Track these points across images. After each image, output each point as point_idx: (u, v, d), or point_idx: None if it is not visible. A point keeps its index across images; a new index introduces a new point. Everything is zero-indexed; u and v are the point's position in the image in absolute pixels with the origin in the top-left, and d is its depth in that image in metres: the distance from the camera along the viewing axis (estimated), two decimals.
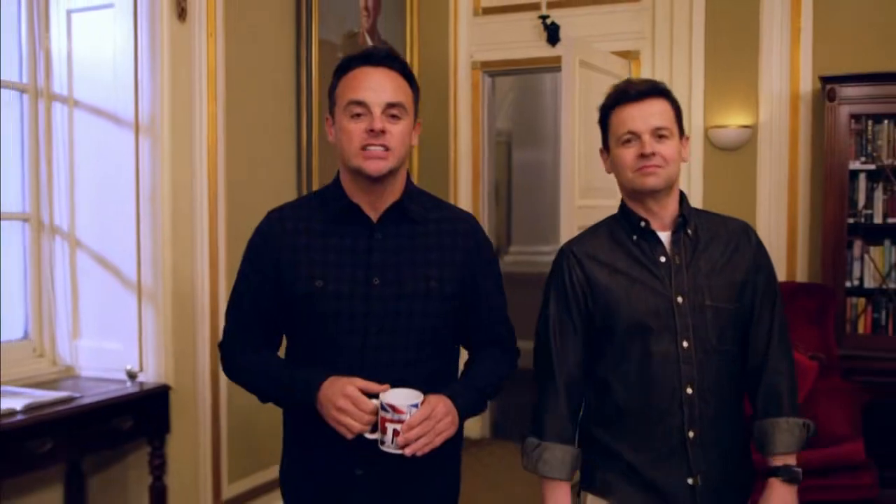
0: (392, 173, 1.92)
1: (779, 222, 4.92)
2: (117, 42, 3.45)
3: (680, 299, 2.03)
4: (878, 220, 4.53)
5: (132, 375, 3.42)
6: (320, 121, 4.17)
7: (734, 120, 5.04)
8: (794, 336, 3.40)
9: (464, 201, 5.70)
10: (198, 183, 3.59)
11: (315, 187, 4.13)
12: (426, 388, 1.86)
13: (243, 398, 2.20)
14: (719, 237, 2.11)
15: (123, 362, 3.45)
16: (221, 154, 3.69)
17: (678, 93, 5.04)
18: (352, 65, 1.92)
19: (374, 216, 1.95)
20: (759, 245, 2.13)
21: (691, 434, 2.01)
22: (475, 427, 5.66)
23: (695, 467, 2.02)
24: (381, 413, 1.79)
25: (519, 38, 5.58)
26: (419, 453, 1.80)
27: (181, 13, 3.46)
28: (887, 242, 4.53)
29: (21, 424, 2.83)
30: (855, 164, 4.53)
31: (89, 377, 3.47)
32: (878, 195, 4.53)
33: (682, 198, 2.10)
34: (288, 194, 3.95)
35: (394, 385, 1.84)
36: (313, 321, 1.92)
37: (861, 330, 4.56)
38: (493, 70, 5.73)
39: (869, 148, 4.54)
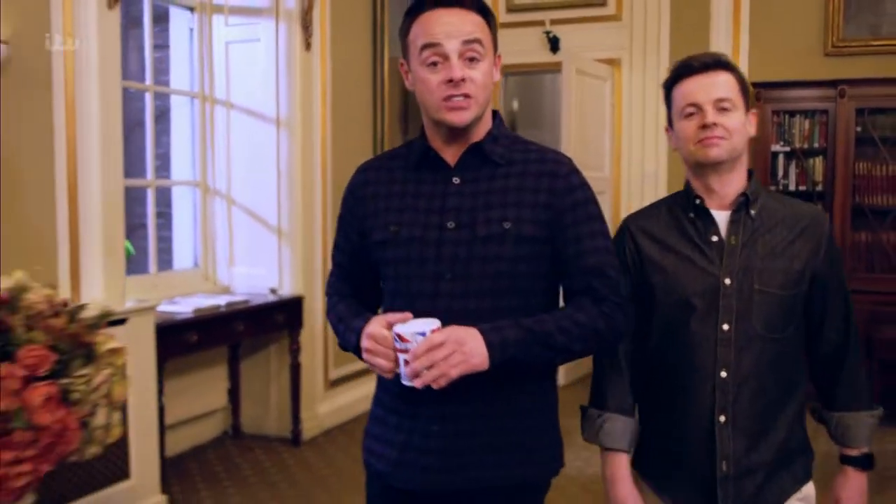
0: (476, 119, 1.80)
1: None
2: (262, 64, 5.07)
3: (728, 281, 1.93)
4: (791, 187, 6.18)
5: (273, 291, 5.08)
6: (391, 116, 5.81)
7: None
8: None
9: None
10: (316, 159, 5.24)
11: None
12: None
13: None
14: (785, 221, 1.98)
15: (267, 283, 5.10)
16: (329, 139, 5.33)
17: (650, 93, 6.74)
18: (423, 7, 1.79)
19: (452, 162, 1.85)
20: (830, 235, 2.00)
21: (722, 419, 1.92)
22: None
23: (721, 454, 1.93)
24: (395, 345, 1.67)
25: (527, 48, 7.19)
26: (435, 385, 1.66)
27: (307, 45, 5.09)
28: None
29: (225, 313, 4.50)
30: (775, 147, 6.19)
31: (242, 293, 5.12)
32: (792, 170, 6.20)
33: (751, 176, 2.01)
34: (360, 158, 5.61)
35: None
36: (390, 268, 1.86)
37: None
38: (508, 72, 7.34)
39: (786, 135, 6.20)
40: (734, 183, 1.97)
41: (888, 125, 6.00)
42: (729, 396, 1.91)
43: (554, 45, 7.07)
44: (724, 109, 1.92)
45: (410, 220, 1.82)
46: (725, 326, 1.91)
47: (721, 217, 1.97)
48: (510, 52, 7.31)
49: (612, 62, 6.96)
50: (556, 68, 6.84)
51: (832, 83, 6.00)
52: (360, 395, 5.48)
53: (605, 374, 2.04)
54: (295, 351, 5.01)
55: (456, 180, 1.83)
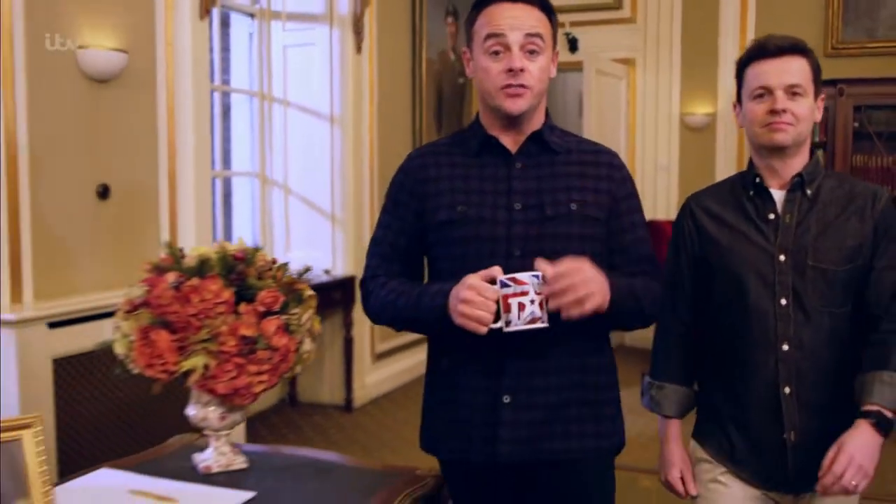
0: (531, 108, 1.89)
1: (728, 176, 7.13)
2: (317, 65, 5.58)
3: (783, 257, 1.97)
4: None
5: (327, 272, 5.60)
6: (428, 112, 6.34)
7: (700, 109, 7.22)
8: None
9: None
10: (364, 152, 5.77)
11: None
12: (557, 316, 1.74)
13: None
14: (841, 200, 2.01)
15: (321, 265, 5.62)
16: (376, 134, 5.85)
17: (662, 91, 7.28)
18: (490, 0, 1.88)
19: (512, 148, 1.93)
20: (887, 210, 2.02)
21: (787, 390, 1.97)
22: None
23: (788, 423, 1.97)
24: (503, 291, 1.70)
25: None
26: (566, 313, 1.70)
27: (358, 48, 5.60)
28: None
29: None
30: None
31: None
32: None
33: (812, 156, 2.03)
34: (403, 153, 6.13)
35: None
36: (455, 248, 1.90)
37: None
38: None
39: None
40: (796, 164, 2.00)
41: (883, 121, 6.53)
42: (792, 369, 1.96)
43: (573, 45, 7.59)
44: (795, 94, 1.94)
45: (478, 201, 1.89)
46: (783, 301, 1.97)
47: (779, 196, 2.01)
48: None
49: (627, 62, 7.49)
50: (574, 67, 7.36)
51: (832, 82, 6.51)
52: (402, 367, 6.02)
53: (661, 347, 2.16)
54: (348, 325, 5.53)
55: (518, 165, 1.92)
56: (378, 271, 2.00)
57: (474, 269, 1.78)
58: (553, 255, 1.77)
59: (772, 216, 2.00)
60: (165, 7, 4.09)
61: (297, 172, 5.68)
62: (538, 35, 1.85)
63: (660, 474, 2.18)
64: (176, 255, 1.98)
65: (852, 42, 6.74)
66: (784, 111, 1.93)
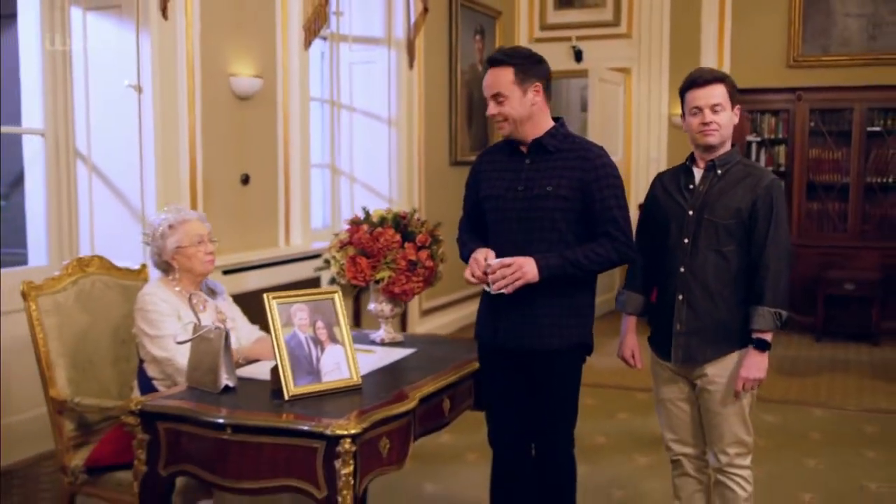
0: (517, 128, 2.84)
1: None
2: (377, 78, 7.00)
3: (691, 213, 2.91)
4: None
5: None
6: (461, 116, 7.78)
7: None
8: None
9: None
10: (414, 148, 7.19)
11: (458, 147, 7.73)
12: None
13: None
14: (738, 177, 2.90)
15: None
16: (423, 134, 7.28)
17: (653, 96, 8.77)
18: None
19: (525, 150, 2.89)
20: (769, 188, 2.87)
21: (680, 297, 2.93)
22: None
23: (677, 319, 2.94)
24: (486, 269, 2.77)
25: (556, 57, 9.11)
26: (506, 291, 2.73)
27: (410, 65, 7.02)
28: None
29: None
30: (749, 138, 8.15)
31: None
32: (762, 155, 8.17)
33: (732, 148, 2.94)
34: (443, 148, 7.56)
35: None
36: (488, 214, 2.94)
37: None
38: None
39: (757, 129, 8.16)
40: (717, 155, 2.92)
41: (834, 121, 7.96)
42: (684, 284, 2.92)
43: (578, 56, 9.00)
44: (716, 111, 2.85)
45: (501, 185, 2.90)
46: (685, 241, 2.92)
47: (699, 174, 2.95)
48: None
49: (624, 71, 8.90)
50: (579, 75, 8.80)
51: (792, 90, 7.95)
52: (444, 321, 7.44)
53: (630, 269, 3.13)
54: None
55: (528, 161, 2.88)
56: (462, 226, 3.12)
57: (496, 228, 2.90)
58: (538, 221, 2.81)
59: (691, 186, 2.97)
60: (282, 42, 5.50)
61: (360, 164, 7.10)
62: (498, 94, 2.83)
63: (617, 352, 3.19)
64: (367, 214, 3.41)
65: (810, 56, 8.16)
66: (711, 122, 2.87)
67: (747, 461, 3.00)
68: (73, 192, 4.70)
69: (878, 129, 7.79)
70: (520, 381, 2.95)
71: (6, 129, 4.68)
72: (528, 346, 2.88)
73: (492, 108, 2.87)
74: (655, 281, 3.10)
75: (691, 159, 3.02)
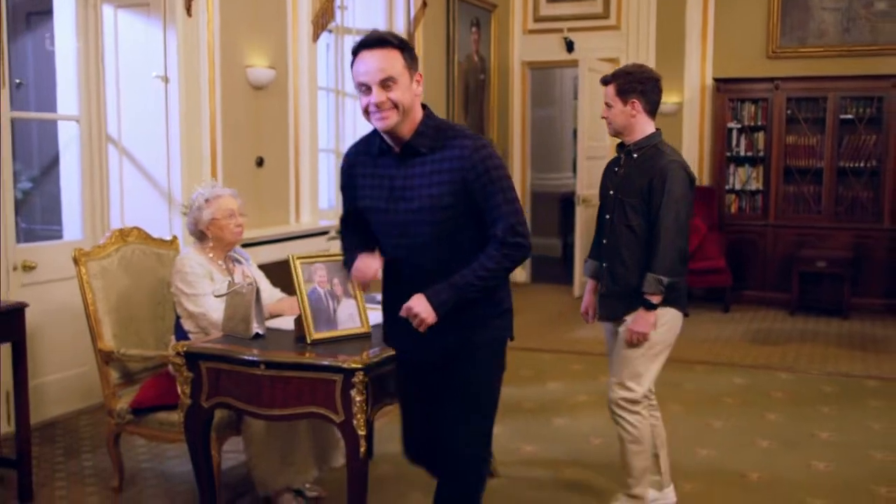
0: (402, 120, 2.50)
1: (693, 153, 9.04)
2: None
3: (612, 192, 3.41)
4: (741, 154, 8.66)
5: None
6: (458, 101, 8.25)
7: (670, 98, 9.12)
8: (697, 213, 7.46)
9: (517, 136, 9.80)
10: None
11: None
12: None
13: None
14: (646, 162, 3.30)
15: None
16: None
17: None
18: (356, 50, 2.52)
19: (398, 152, 2.56)
20: (662, 171, 3.24)
21: (605, 265, 3.43)
22: (523, 275, 9.80)
23: (602, 283, 3.45)
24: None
25: (549, 48, 9.59)
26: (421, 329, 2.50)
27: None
28: (746, 166, 8.67)
29: None
30: (731, 124, 8.64)
31: None
32: (742, 141, 8.66)
33: (647, 137, 3.33)
34: None
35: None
36: (372, 225, 2.67)
37: (732, 210, 8.72)
38: (534, 67, 9.77)
39: (738, 116, 8.64)
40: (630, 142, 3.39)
41: (809, 109, 8.44)
42: (607, 254, 3.39)
43: (569, 47, 9.46)
44: (608, 106, 3.38)
45: (383, 196, 2.63)
46: (608, 216, 3.42)
47: (623, 159, 3.42)
48: (536, 52, 9.71)
49: (613, 61, 9.35)
50: (570, 64, 9.27)
51: (770, 79, 8.43)
52: None
53: (593, 241, 3.60)
54: None
55: (400, 170, 2.61)
56: (343, 228, 2.90)
57: (384, 239, 2.66)
58: (421, 235, 2.54)
59: (616, 169, 3.46)
60: (293, 36, 5.98)
61: None
62: (390, 77, 2.46)
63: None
64: None
65: (787, 48, 8.62)
66: (604, 118, 3.41)
67: (630, 408, 3.38)
68: (105, 173, 5.17)
69: (850, 116, 8.26)
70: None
71: (44, 115, 5.16)
72: (443, 349, 2.67)
73: (378, 95, 2.47)
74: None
75: (619, 148, 3.52)
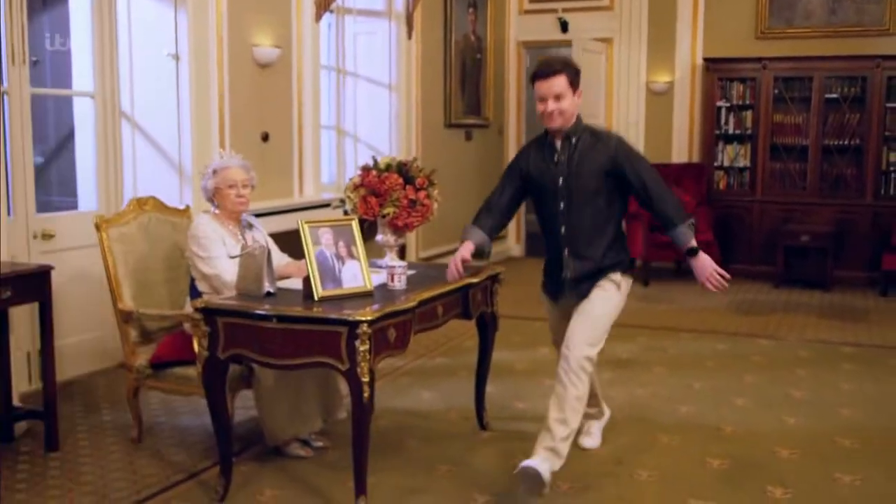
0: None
1: (683, 131, 9.30)
2: (379, 48, 7.72)
3: (561, 180, 3.51)
4: (730, 131, 8.92)
5: None
6: (454, 79, 8.51)
7: (661, 77, 9.38)
8: (687, 189, 7.80)
9: (512, 114, 10.05)
10: (413, 110, 7.94)
11: (452, 110, 8.47)
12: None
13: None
14: (590, 142, 3.48)
15: None
16: (420, 98, 8.02)
17: (632, 63, 9.54)
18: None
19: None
20: (619, 144, 3.51)
21: (566, 252, 3.58)
22: (517, 249, 10.09)
23: (566, 268, 3.59)
24: None
25: (544, 28, 9.83)
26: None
27: (409, 35, 7.74)
28: (734, 143, 8.94)
29: None
30: (720, 103, 8.90)
31: None
32: (731, 119, 8.92)
33: (577, 122, 3.49)
34: (438, 111, 8.31)
35: None
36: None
37: (721, 186, 9.00)
38: (529, 46, 10.01)
39: (727, 95, 8.90)
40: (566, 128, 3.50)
41: (796, 88, 8.70)
42: (567, 240, 3.54)
43: (564, 27, 9.69)
44: (559, 99, 3.43)
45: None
46: (561, 205, 3.52)
47: (558, 145, 3.54)
48: (531, 32, 9.95)
49: (606, 41, 9.62)
50: (564, 44, 9.51)
51: (758, 59, 8.68)
52: None
53: (481, 210, 3.80)
54: None
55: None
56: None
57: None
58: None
59: (555, 157, 3.56)
60: (297, 15, 6.23)
61: (364, 125, 7.84)
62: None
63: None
64: (375, 162, 4.17)
65: (775, 28, 8.87)
66: (553, 111, 3.45)
67: (589, 368, 3.50)
68: (119, 146, 5.43)
69: (835, 95, 8.53)
70: None
71: (60, 91, 5.41)
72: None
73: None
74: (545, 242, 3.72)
75: (546, 135, 3.61)
